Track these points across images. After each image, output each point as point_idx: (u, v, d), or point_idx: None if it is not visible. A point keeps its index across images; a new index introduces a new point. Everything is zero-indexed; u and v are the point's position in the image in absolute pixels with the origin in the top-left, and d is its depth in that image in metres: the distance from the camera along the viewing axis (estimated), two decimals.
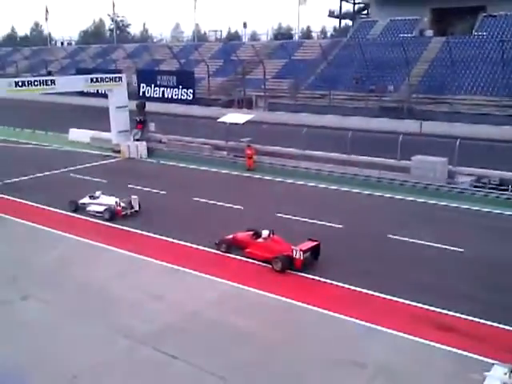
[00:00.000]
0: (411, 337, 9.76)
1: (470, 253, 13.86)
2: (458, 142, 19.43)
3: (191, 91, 45.67)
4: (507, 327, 10.09)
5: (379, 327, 10.09)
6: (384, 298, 11.36)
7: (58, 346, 9.51)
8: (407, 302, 11.15)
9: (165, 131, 27.87)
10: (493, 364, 8.21)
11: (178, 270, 12.77)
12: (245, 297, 11.45)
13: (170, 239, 14.82)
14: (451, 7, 47.68)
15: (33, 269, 12.83)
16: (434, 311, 10.76)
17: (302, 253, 12.64)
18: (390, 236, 15.08)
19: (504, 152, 19.42)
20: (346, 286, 11.93)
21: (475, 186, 19.31)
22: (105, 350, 9.36)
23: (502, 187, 18.77)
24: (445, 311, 10.72)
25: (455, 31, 46.43)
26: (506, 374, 7.68)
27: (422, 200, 19.00)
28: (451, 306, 10.82)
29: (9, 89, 23.54)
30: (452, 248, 14.16)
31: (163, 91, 47.33)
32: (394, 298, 11.31)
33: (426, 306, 10.90)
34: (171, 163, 25.24)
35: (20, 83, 24.00)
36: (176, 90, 46.51)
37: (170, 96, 46.83)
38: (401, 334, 9.85)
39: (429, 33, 46.31)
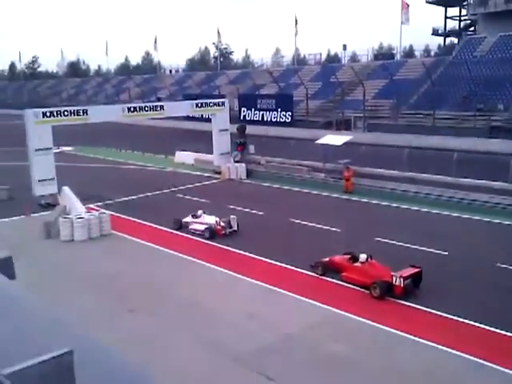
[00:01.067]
0: None
1: None
2: None
3: (290, 114, 46.30)
4: None
5: (486, 362, 9.40)
6: (487, 330, 10.56)
7: (161, 359, 9.96)
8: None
9: (264, 153, 28.50)
10: None
11: (274, 290, 12.87)
12: (341, 322, 11.23)
13: (267, 259, 15.01)
14: None
15: (139, 283, 13.61)
16: None
17: (402, 279, 12.16)
18: (499, 265, 14.03)
19: None
20: (448, 315, 11.26)
21: None
22: (200, 367, 9.62)
23: None
24: None
25: None
26: None
27: None
28: None
29: (123, 114, 25.54)
30: None
31: (263, 114, 48.48)
32: (495, 330, 10.48)
33: None
34: (269, 184, 25.68)
35: (132, 109, 25.94)
36: (275, 112, 47.42)
37: (269, 119, 47.84)
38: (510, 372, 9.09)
39: None
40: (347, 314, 11.47)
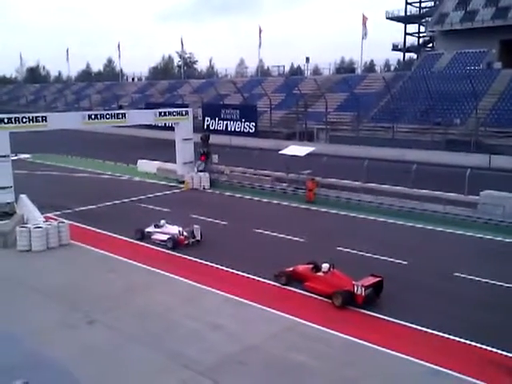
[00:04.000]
0: (477, 381, 9.24)
1: None
2: None
3: (253, 124, 46.62)
4: None
5: (442, 368, 9.64)
6: (445, 338, 10.84)
7: (120, 371, 9.74)
8: (468, 342, 10.64)
9: (227, 163, 28.51)
10: None
11: (237, 300, 12.82)
12: (304, 332, 11.28)
13: (230, 269, 14.96)
14: None
15: (98, 294, 13.31)
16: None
17: (363, 288, 12.35)
18: (457, 274, 14.46)
19: None
20: (408, 324, 11.51)
21: None
22: (163, 379, 9.47)
23: None
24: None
25: None
26: None
27: (490, 237, 18.14)
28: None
29: (83, 121, 25.03)
30: None
31: (227, 124, 48.63)
32: (454, 338, 10.78)
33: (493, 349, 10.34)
34: (232, 194, 25.69)
35: (93, 116, 25.47)
36: (239, 123, 47.66)
37: (233, 129, 48.01)
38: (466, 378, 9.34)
39: (497, 65, 45.08)
40: (310, 324, 11.54)
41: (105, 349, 10.49)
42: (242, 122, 47.44)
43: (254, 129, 46.59)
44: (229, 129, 48.27)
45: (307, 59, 64.28)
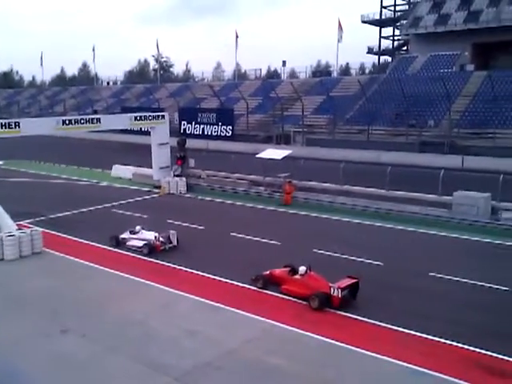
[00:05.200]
0: (457, 380, 9.34)
1: None
2: (501, 177, 18.89)
3: (230, 128, 46.59)
4: None
5: (421, 368, 9.71)
6: (423, 338, 10.95)
7: (95, 380, 9.56)
8: (447, 341, 10.74)
9: (204, 167, 28.40)
10: None
11: (214, 306, 12.72)
12: (281, 335, 11.25)
13: (207, 274, 14.85)
14: (493, 41, 47.34)
15: (73, 302, 13.07)
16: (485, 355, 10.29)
17: (340, 290, 12.40)
18: (432, 274, 14.63)
19: None
20: (385, 324, 11.58)
21: None
22: None
23: None
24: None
25: (497, 65, 45.87)
26: None
27: (465, 237, 18.43)
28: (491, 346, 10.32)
29: (57, 127, 24.59)
30: (496, 286, 13.61)
31: (203, 128, 48.48)
32: (432, 338, 10.89)
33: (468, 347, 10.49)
34: (209, 198, 25.57)
35: (67, 121, 25.04)
36: (216, 126, 47.56)
37: (209, 133, 47.90)
38: (445, 377, 9.43)
39: (470, 67, 45.98)
40: (287, 327, 11.52)
41: (79, 358, 10.27)
42: (218, 125, 47.36)
43: (230, 132, 46.55)
44: (206, 133, 48.14)
45: (284, 63, 64.70)
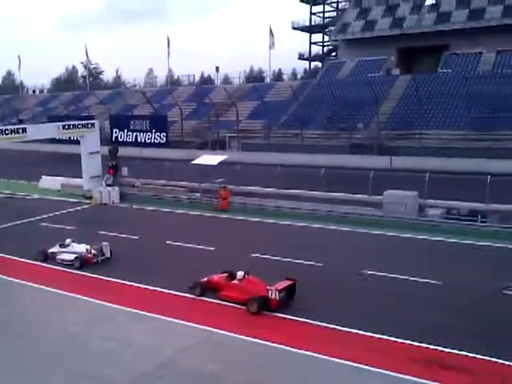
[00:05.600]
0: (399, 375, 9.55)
1: (448, 284, 13.83)
2: (427, 176, 19.76)
3: (164, 135, 45.92)
4: None
5: (361, 365, 9.86)
6: (362, 335, 11.16)
7: None
8: (385, 337, 11.01)
9: (138, 175, 27.75)
10: None
11: (150, 316, 12.37)
12: (220, 342, 11.11)
13: (142, 285, 14.43)
14: (416, 46, 49.71)
15: (1, 323, 12.29)
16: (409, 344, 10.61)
17: (277, 292, 12.43)
18: (371, 272, 14.98)
19: (472, 183, 19.77)
20: (323, 324, 11.70)
21: (446, 218, 19.56)
22: None
23: (471, 218, 19.08)
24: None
25: (421, 69, 48.17)
26: None
27: (395, 234, 19.07)
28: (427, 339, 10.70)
29: None
30: (426, 280, 14.16)
31: (136, 135, 47.45)
32: (373, 335, 11.13)
33: (399, 340, 10.80)
34: (144, 207, 24.98)
35: None
36: (149, 133, 46.70)
37: (143, 140, 46.96)
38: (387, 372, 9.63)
39: (395, 71, 47.98)
40: (225, 333, 11.38)
41: (13, 374, 9.65)
42: (152, 132, 46.52)
43: (165, 139, 45.86)
44: (139, 140, 47.14)
45: (217, 68, 64.53)
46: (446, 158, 30.62)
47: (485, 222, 18.89)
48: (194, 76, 71.59)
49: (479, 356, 10.12)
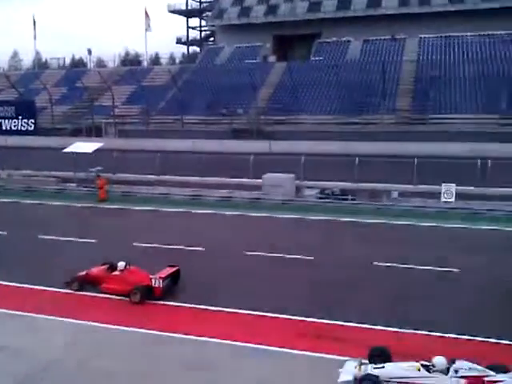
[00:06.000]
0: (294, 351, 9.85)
1: (318, 260, 14.69)
2: (302, 159, 20.72)
3: (32, 121, 42.57)
4: None
5: (246, 344, 10.09)
6: (250, 315, 11.46)
7: None
8: (275, 315, 11.41)
9: (4, 166, 25.49)
10: (345, 361, 8.68)
11: (24, 316, 11.50)
12: (102, 335, 10.68)
13: (13, 284, 13.36)
14: (291, 34, 51.40)
15: None
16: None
17: (161, 280, 12.27)
18: (247, 253, 15.38)
19: (343, 164, 21.13)
20: (210, 308, 11.79)
21: (320, 198, 20.75)
22: None
23: (343, 196, 20.48)
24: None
25: (295, 56, 50.01)
26: (355, 367, 8.19)
27: (272, 215, 19.70)
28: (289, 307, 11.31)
29: None
30: (306, 257, 14.93)
31: (0, 123, 43.45)
32: (257, 313, 11.47)
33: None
34: (13, 200, 23.03)
35: None
36: (15, 120, 42.99)
37: (8, 127, 43.09)
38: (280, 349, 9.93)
39: (272, 58, 49.22)
40: (108, 326, 10.96)
41: None
42: (18, 119, 42.87)
43: (33, 126, 42.56)
44: (3, 128, 43.16)
45: (89, 51, 61.05)
46: (320, 141, 32.24)
47: (354, 199, 20.34)
48: (65, 59, 67.10)
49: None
